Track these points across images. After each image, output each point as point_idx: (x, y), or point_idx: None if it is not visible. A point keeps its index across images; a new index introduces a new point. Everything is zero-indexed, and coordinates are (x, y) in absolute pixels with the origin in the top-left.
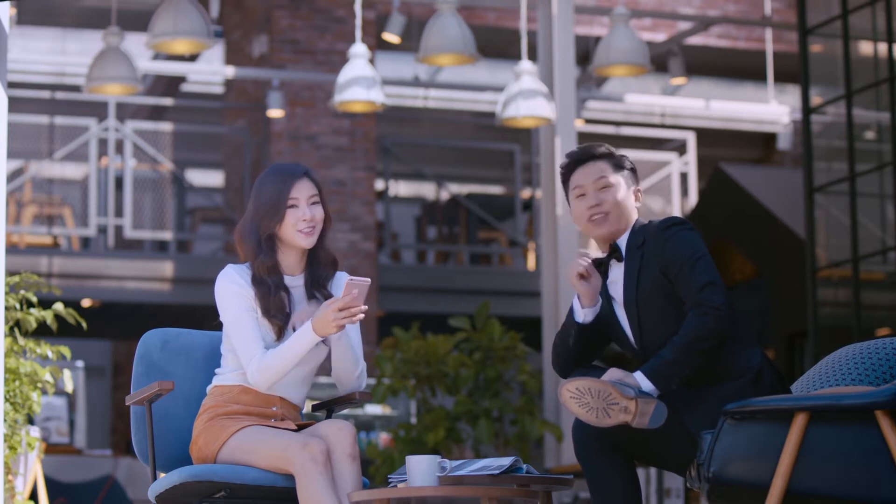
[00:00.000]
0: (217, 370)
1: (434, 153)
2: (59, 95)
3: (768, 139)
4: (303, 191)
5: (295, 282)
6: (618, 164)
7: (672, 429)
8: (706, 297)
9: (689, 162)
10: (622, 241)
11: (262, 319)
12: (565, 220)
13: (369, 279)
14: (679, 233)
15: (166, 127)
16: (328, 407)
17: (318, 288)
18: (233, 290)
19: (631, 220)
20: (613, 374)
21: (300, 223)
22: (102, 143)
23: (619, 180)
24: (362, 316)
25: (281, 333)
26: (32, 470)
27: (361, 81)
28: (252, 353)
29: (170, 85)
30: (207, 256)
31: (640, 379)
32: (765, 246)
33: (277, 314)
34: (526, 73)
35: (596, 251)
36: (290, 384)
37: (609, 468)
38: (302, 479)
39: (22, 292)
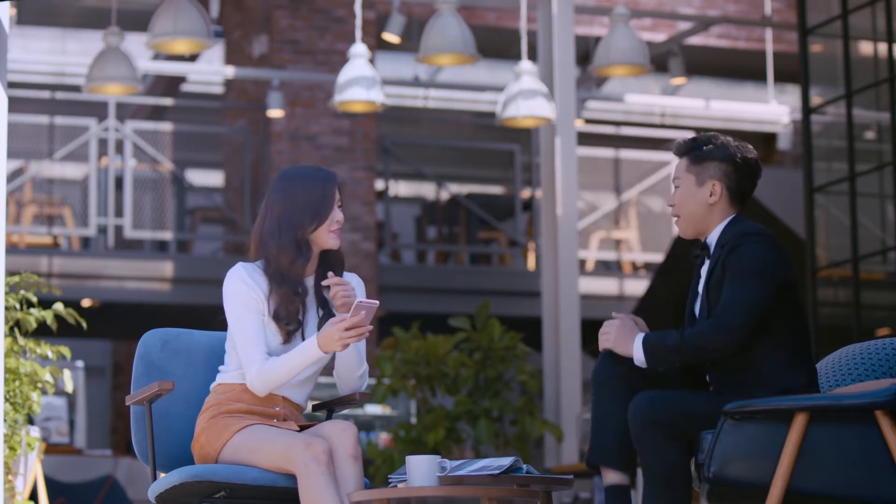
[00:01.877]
0: (221, 368)
1: (434, 153)
2: (59, 95)
3: (768, 139)
4: (337, 195)
5: (308, 283)
6: None
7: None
8: (725, 313)
9: None
10: (712, 239)
11: (270, 321)
12: (565, 220)
13: (378, 302)
14: (750, 244)
15: (166, 127)
16: (329, 407)
17: (326, 289)
18: (242, 289)
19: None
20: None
21: (333, 224)
22: (102, 143)
23: None
24: (367, 335)
25: (289, 338)
26: (32, 470)
27: (361, 81)
28: (253, 357)
29: (170, 85)
30: (207, 256)
31: (636, 347)
32: None
33: (290, 320)
34: (526, 73)
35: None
36: (293, 384)
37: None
38: (304, 478)
39: (22, 292)
